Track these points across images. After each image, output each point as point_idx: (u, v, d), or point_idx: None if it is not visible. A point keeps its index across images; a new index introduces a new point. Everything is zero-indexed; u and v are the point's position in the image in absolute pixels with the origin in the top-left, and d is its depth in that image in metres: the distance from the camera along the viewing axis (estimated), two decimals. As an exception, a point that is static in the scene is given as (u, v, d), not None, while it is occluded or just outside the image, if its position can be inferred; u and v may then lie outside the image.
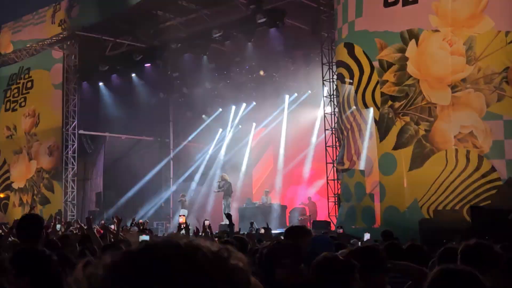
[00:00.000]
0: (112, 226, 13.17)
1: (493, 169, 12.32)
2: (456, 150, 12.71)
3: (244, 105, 24.67)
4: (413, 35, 13.36)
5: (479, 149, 12.49)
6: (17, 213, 22.13)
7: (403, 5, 13.51)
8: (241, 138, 24.36)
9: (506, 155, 12.27)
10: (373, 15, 14.20)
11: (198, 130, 24.93)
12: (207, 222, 9.53)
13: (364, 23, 14.39)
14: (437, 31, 13.06)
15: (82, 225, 10.66)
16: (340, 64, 15.38)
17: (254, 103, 24.29)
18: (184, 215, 12.90)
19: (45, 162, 22.50)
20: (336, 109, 16.52)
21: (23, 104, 23.82)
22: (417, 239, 11.30)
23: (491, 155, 12.37)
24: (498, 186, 12.26)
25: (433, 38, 13.08)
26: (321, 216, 19.20)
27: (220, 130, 24.89)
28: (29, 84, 23.67)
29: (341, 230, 12.53)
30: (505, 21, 12.43)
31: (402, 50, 13.54)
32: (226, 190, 20.07)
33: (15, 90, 24.28)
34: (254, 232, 13.87)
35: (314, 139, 21.89)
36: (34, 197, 22.56)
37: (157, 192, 23.15)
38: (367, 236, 10.78)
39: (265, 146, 24.72)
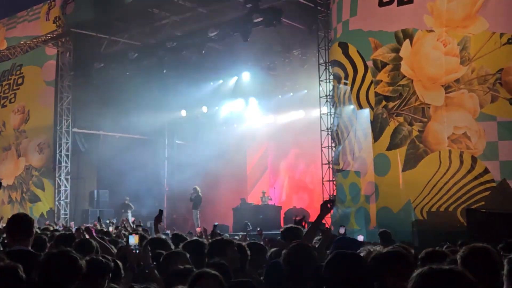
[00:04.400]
0: (111, 228, 13.09)
1: (486, 171, 12.24)
2: (450, 151, 12.64)
3: (240, 104, 24.66)
4: (408, 35, 13.30)
5: (472, 150, 12.42)
6: (6, 210, 22.02)
7: (398, 4, 13.44)
8: (237, 137, 24.31)
9: (500, 156, 12.19)
10: (368, 14, 14.13)
11: (194, 129, 24.89)
12: (198, 229, 9.78)
13: (358, 23, 14.33)
14: (431, 31, 13.00)
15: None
16: (335, 63, 15.32)
17: (250, 102, 24.31)
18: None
19: (35, 159, 22.40)
20: (332, 110, 16.44)
21: (12, 100, 23.72)
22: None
23: (484, 157, 12.29)
24: (491, 188, 12.18)
25: (428, 38, 13.01)
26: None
27: (216, 129, 24.84)
28: (19, 80, 23.57)
29: (342, 231, 11.94)
30: (500, 22, 12.34)
31: (396, 50, 13.48)
32: (196, 202, 20.22)
33: (6, 87, 24.19)
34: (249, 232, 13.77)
35: (310, 140, 21.83)
36: (23, 194, 22.45)
37: (151, 192, 23.02)
38: (360, 238, 10.66)
39: (260, 146, 24.68)
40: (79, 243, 5.28)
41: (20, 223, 4.54)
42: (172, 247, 5.28)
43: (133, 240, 4.68)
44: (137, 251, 4.53)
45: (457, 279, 2.21)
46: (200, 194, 20.48)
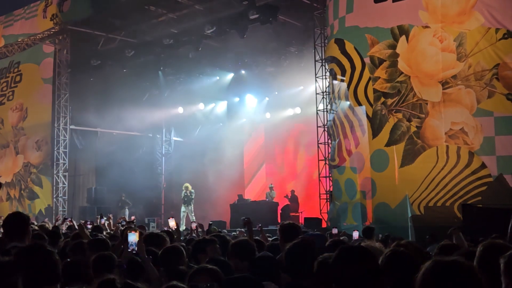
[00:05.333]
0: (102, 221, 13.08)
1: (483, 166, 12.33)
2: (447, 147, 12.71)
3: (236, 101, 24.70)
4: (404, 31, 13.34)
5: (469, 146, 12.49)
6: (4, 207, 22.05)
7: (394, 0, 13.47)
8: (233, 134, 24.33)
9: (497, 151, 12.27)
10: (364, 11, 14.16)
11: (191, 126, 24.91)
12: (193, 225, 9.74)
13: (354, 19, 14.36)
14: (427, 27, 13.04)
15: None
16: (331, 60, 15.35)
17: (247, 99, 24.36)
18: (175, 221, 12.80)
19: (33, 156, 22.39)
20: (329, 106, 16.51)
21: (10, 97, 23.68)
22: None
23: (481, 152, 12.38)
24: (488, 183, 12.27)
25: (424, 34, 13.06)
26: (313, 213, 19.17)
27: (212, 125, 24.87)
28: (17, 78, 23.53)
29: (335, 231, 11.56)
30: (495, 17, 12.40)
31: (393, 47, 13.52)
32: (185, 199, 20.26)
33: (4, 84, 24.14)
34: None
35: (306, 136, 21.89)
36: (22, 191, 22.46)
37: (148, 188, 23.05)
38: (355, 234, 10.68)
39: (257, 143, 24.72)
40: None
41: (15, 221, 4.59)
42: (168, 242, 5.38)
43: (134, 237, 4.36)
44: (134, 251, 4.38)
45: (461, 270, 2.28)
46: (191, 190, 20.43)
